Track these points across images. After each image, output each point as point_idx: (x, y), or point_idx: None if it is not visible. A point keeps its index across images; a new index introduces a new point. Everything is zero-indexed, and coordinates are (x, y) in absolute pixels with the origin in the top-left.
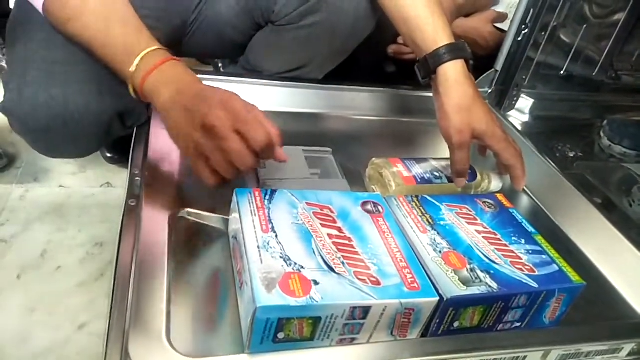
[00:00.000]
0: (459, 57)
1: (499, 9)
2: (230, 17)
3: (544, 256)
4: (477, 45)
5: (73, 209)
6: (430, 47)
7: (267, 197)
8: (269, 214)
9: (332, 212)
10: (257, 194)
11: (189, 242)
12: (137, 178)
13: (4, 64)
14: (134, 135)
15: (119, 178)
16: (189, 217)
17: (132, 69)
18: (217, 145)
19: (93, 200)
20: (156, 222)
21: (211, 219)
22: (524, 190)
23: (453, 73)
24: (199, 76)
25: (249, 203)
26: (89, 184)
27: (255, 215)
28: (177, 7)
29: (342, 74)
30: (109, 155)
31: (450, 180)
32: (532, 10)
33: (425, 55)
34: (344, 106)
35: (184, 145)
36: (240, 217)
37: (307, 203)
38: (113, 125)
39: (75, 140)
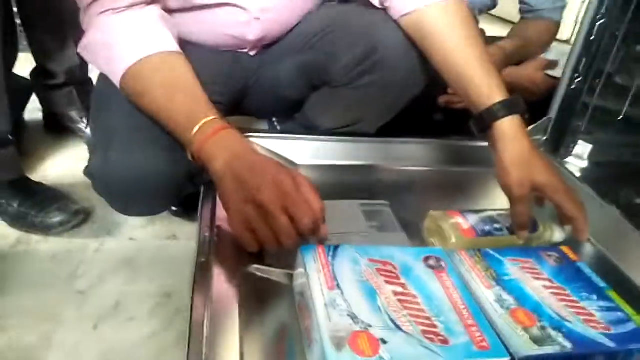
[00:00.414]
0: (514, 112)
1: (550, 56)
2: (288, 79)
3: (618, 313)
4: (528, 91)
5: (143, 260)
6: (484, 104)
7: (331, 253)
8: (333, 270)
9: (394, 268)
10: (321, 250)
11: (257, 297)
12: (206, 234)
13: (83, 128)
14: (201, 194)
15: (183, 230)
16: (256, 273)
17: (191, 136)
18: (265, 221)
19: (160, 252)
20: (226, 278)
21: (277, 274)
22: (589, 239)
23: (509, 129)
24: (256, 135)
25: (314, 260)
26: (156, 236)
27: (320, 272)
28: (239, 72)
29: (393, 125)
30: (174, 209)
31: (511, 232)
32: (584, 59)
33: (480, 112)
34: (398, 158)
35: (234, 215)
36: (307, 273)
37: (369, 259)
38: (184, 186)
39: (150, 200)
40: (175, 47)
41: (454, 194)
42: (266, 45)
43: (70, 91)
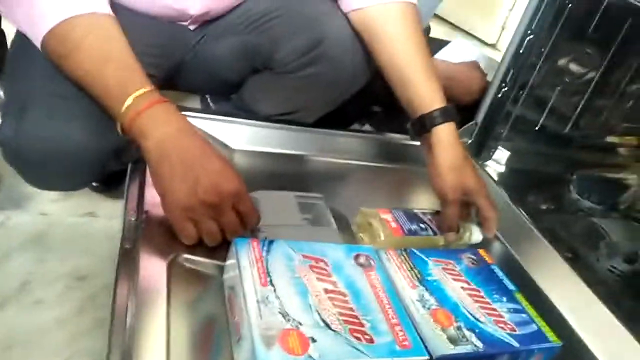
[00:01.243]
0: (451, 119)
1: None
2: (227, 59)
3: (523, 315)
4: (463, 86)
5: (55, 238)
6: (426, 109)
7: (265, 247)
8: (267, 265)
9: (326, 265)
10: (255, 244)
11: (186, 288)
12: (133, 219)
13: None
14: (128, 173)
15: (103, 207)
16: (185, 264)
17: (123, 108)
18: (212, 217)
19: (75, 230)
20: (152, 267)
21: (207, 266)
22: (500, 240)
23: (446, 135)
24: (191, 115)
25: (248, 254)
26: (71, 212)
27: (254, 266)
28: (177, 45)
29: (331, 114)
30: (94, 184)
31: (435, 233)
32: (511, 70)
33: (421, 115)
34: (335, 150)
35: (173, 203)
36: (239, 268)
37: (303, 255)
38: (109, 162)
39: (69, 175)
40: (108, 9)
41: (387, 190)
42: (208, 21)
43: None
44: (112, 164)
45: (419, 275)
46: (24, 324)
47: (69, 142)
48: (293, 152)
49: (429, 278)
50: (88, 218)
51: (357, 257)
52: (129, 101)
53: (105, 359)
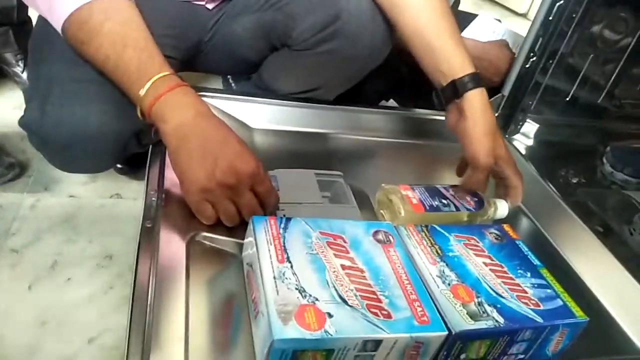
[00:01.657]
0: (481, 85)
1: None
2: (245, 37)
3: (548, 290)
4: (493, 66)
5: (83, 219)
6: (457, 74)
7: (282, 225)
8: (284, 243)
9: (344, 241)
10: (272, 222)
11: (205, 266)
12: (153, 199)
13: (20, 72)
14: (149, 154)
15: (128, 189)
16: (205, 242)
17: (142, 92)
18: (229, 198)
19: (102, 211)
20: (174, 246)
21: (226, 243)
22: (527, 216)
23: (478, 100)
24: (211, 95)
25: (265, 231)
26: (98, 194)
27: (271, 244)
28: (195, 26)
29: (353, 95)
30: (119, 166)
31: (457, 209)
32: (540, 39)
33: (453, 81)
34: (355, 127)
35: (192, 185)
36: (256, 245)
37: (320, 232)
38: (130, 144)
39: (92, 157)
40: None
41: (408, 166)
42: (225, 0)
43: (6, 31)
44: (133, 146)
45: (439, 251)
46: (56, 301)
47: (91, 125)
48: (313, 130)
49: (450, 254)
50: (114, 199)
51: (375, 233)
52: (147, 85)
53: (127, 335)
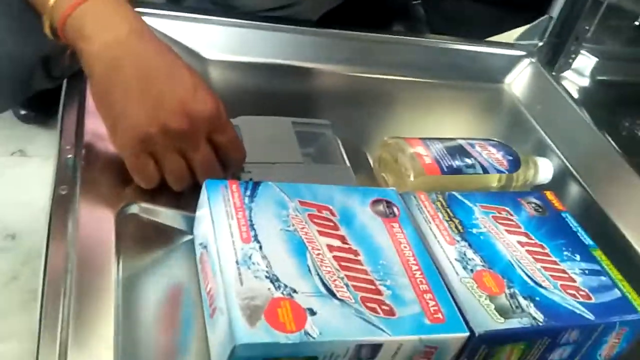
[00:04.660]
0: None
1: None
2: None
3: (603, 278)
4: None
5: None
6: None
7: (248, 192)
8: (250, 216)
9: (332, 214)
10: (234, 187)
11: (142, 248)
12: (69, 156)
13: None
14: (63, 92)
15: (37, 143)
16: (142, 215)
17: (52, 0)
18: (178, 150)
19: (3, 175)
20: (98, 220)
21: (171, 217)
22: (576, 180)
23: None
24: (147, 12)
25: (224, 200)
26: None
27: (232, 218)
28: None
29: (344, 13)
30: (22, 112)
31: (485, 171)
32: None
33: None
34: (348, 58)
35: (126, 133)
36: (212, 219)
37: (300, 202)
38: (35, 76)
39: None
40: None
41: (422, 113)
42: None
43: None
44: (40, 80)
45: (459, 227)
46: None
47: None
48: (289, 62)
49: (474, 230)
50: (17, 158)
51: (374, 203)
52: None
53: (37, 342)
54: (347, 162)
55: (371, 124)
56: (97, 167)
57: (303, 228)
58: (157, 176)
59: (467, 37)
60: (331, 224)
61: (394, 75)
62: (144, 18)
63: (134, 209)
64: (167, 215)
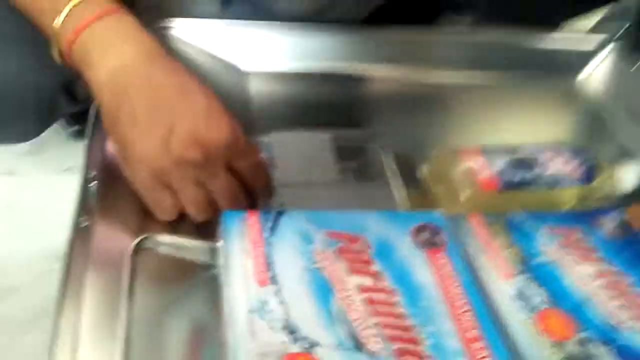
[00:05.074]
0: None
1: None
2: None
3: None
4: None
5: (24, 204)
6: None
7: (269, 224)
8: (269, 253)
9: (366, 246)
10: (253, 220)
11: (159, 285)
12: (93, 183)
13: None
14: (90, 115)
15: None
16: (160, 248)
17: (58, 22)
18: (196, 180)
19: (51, 194)
20: (110, 258)
21: (195, 249)
22: None
23: None
24: (182, 25)
25: (241, 236)
26: (45, 169)
27: (248, 256)
28: None
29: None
30: (72, 129)
31: (554, 183)
32: None
33: None
34: (396, 60)
35: (138, 166)
36: (225, 259)
37: (327, 233)
38: (59, 100)
39: (6, 124)
40: None
41: (476, 116)
42: None
43: None
44: (65, 104)
45: (520, 257)
46: None
47: None
48: (332, 67)
49: (538, 260)
50: (68, 176)
51: (417, 231)
52: (64, 12)
53: None
54: (392, 178)
55: (422, 132)
56: (116, 195)
57: (330, 265)
58: (175, 208)
59: (530, 26)
60: (364, 258)
61: (447, 75)
62: (176, 32)
63: (152, 242)
64: (189, 248)
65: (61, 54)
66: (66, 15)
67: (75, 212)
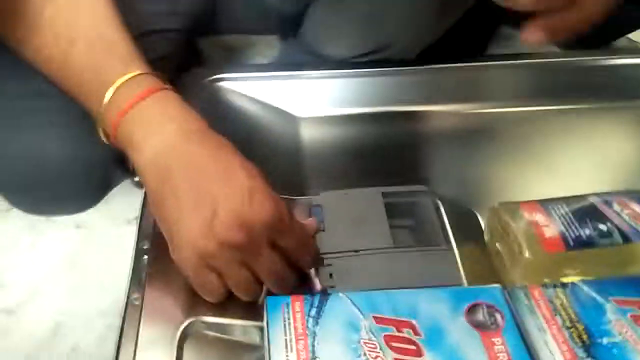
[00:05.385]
0: None
1: None
2: None
3: None
4: None
5: (91, 258)
6: None
7: (313, 312)
8: (313, 345)
9: (415, 332)
10: (297, 306)
11: None
12: (146, 256)
13: None
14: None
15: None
16: (209, 331)
17: (102, 107)
18: (240, 261)
19: (118, 245)
20: (157, 344)
21: (244, 330)
22: None
23: None
24: (234, 76)
25: (284, 326)
26: (113, 220)
27: (291, 350)
28: None
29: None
30: (136, 179)
31: (628, 238)
32: None
33: None
34: (453, 96)
35: (185, 250)
36: (268, 351)
37: (375, 318)
38: (112, 174)
39: (62, 198)
40: None
41: (544, 160)
42: None
43: None
44: (119, 176)
45: (584, 336)
46: None
47: (47, 157)
48: (385, 108)
49: (605, 340)
50: (135, 227)
51: (472, 310)
52: (108, 95)
53: None
54: (449, 237)
55: (483, 178)
56: (168, 269)
57: (377, 355)
58: (222, 290)
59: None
60: (413, 347)
61: (507, 106)
62: (227, 83)
63: (200, 325)
64: (236, 328)
65: (106, 135)
66: (110, 98)
67: (128, 287)
